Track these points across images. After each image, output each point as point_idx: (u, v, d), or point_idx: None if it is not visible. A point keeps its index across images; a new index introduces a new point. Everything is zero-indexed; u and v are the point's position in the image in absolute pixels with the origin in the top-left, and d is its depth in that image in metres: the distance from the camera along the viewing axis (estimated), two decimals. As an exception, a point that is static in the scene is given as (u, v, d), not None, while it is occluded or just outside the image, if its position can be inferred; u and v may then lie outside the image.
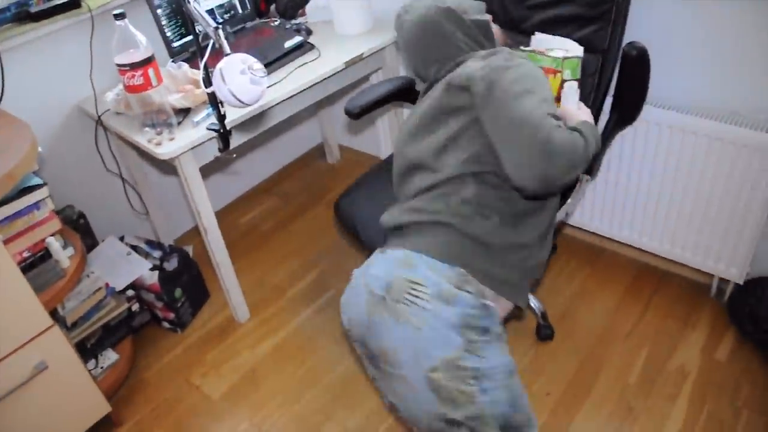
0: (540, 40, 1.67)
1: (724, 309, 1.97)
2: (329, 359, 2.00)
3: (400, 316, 1.17)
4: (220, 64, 1.31)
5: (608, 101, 1.70)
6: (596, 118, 1.68)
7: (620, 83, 1.61)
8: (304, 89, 1.93)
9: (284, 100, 1.90)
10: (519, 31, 1.78)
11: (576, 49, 1.58)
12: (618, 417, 1.71)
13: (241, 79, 1.30)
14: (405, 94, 1.95)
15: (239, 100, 1.32)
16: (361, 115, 1.83)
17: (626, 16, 1.61)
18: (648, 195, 1.93)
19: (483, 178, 1.25)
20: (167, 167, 2.43)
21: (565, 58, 1.54)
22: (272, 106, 1.89)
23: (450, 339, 1.14)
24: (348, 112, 1.83)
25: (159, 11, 2.01)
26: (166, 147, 1.71)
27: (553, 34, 1.66)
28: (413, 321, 1.15)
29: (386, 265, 1.24)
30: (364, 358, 1.31)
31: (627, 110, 1.66)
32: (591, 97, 1.66)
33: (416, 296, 1.16)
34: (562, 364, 1.88)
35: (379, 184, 1.83)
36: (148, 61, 1.67)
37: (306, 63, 2.02)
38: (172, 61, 1.97)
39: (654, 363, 1.84)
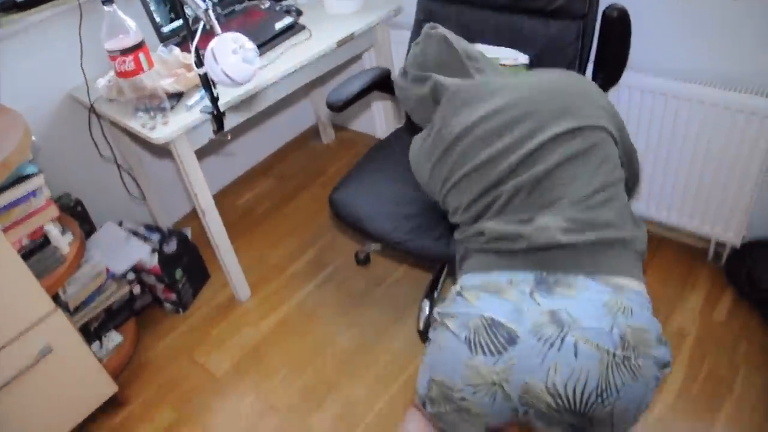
0: (485, 49, 1.70)
1: (721, 272, 2.00)
2: (331, 333, 2.03)
3: (637, 373, 1.01)
4: (212, 44, 1.32)
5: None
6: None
7: (602, 46, 1.63)
8: (297, 70, 1.94)
9: (277, 81, 1.91)
10: (493, 8, 1.79)
11: (522, 58, 1.66)
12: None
13: (233, 58, 1.31)
14: (384, 84, 1.95)
15: (232, 79, 1.33)
16: (344, 108, 1.84)
17: None
18: (643, 162, 1.95)
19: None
20: (162, 151, 2.44)
21: (514, 65, 1.64)
22: (265, 87, 1.89)
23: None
24: (330, 106, 1.84)
25: None
26: (160, 131, 1.71)
27: (529, 6, 1.70)
28: (646, 375, 1.02)
29: (597, 311, 1.05)
30: (562, 425, 1.06)
31: (611, 72, 1.67)
32: (576, 63, 1.67)
33: (647, 346, 1.03)
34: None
35: (372, 172, 1.84)
36: (138, 46, 1.68)
37: (297, 43, 2.03)
38: (163, 46, 1.96)
39: (651, 327, 1.87)
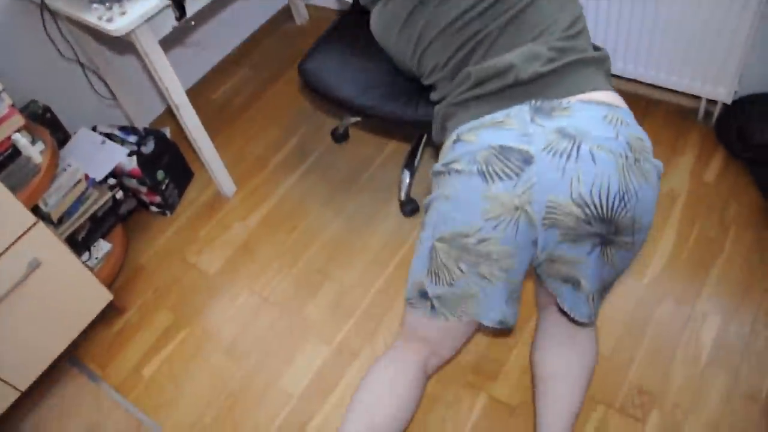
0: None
1: (711, 132, 1.97)
2: (319, 221, 2.03)
3: (647, 177, 1.05)
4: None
5: None
6: None
7: None
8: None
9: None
10: None
11: None
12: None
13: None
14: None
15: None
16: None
17: None
18: (630, 19, 1.86)
19: None
20: (127, 46, 2.32)
21: None
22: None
23: None
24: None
25: None
26: (118, 22, 1.61)
27: None
28: (652, 180, 1.07)
29: (599, 123, 1.06)
30: (590, 238, 1.07)
31: None
32: None
33: (648, 152, 1.07)
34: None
35: (340, 42, 1.82)
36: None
37: None
38: None
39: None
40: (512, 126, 1.08)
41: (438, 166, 1.16)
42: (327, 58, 1.79)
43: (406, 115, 1.61)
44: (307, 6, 2.91)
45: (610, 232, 1.06)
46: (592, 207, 1.02)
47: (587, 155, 1.02)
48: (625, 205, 1.03)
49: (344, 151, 2.23)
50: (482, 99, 1.16)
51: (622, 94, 2.14)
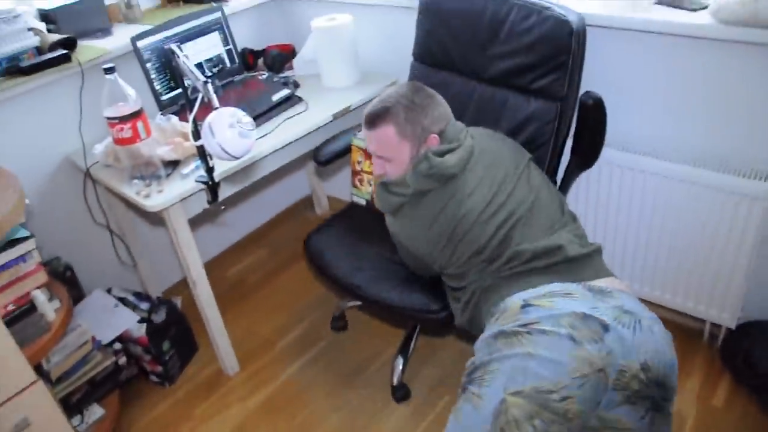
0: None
1: (717, 354, 1.98)
2: (320, 413, 1.98)
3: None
4: (209, 118, 1.34)
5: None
6: (557, 162, 1.79)
7: (579, 130, 1.74)
8: (293, 141, 1.97)
9: (273, 152, 1.93)
10: (480, 80, 1.85)
11: None
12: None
13: (230, 132, 1.32)
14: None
15: (228, 154, 1.34)
16: (328, 162, 2.02)
17: (582, 66, 1.69)
18: (636, 242, 1.96)
19: None
20: (156, 219, 2.44)
21: None
22: (261, 158, 1.92)
23: None
24: (317, 160, 2.01)
25: (148, 65, 2.07)
26: (154, 199, 1.72)
27: (513, 83, 1.75)
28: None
29: (642, 306, 1.29)
30: (645, 402, 1.20)
31: (586, 155, 1.78)
32: (551, 143, 1.72)
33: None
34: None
35: (348, 225, 2.02)
36: (136, 114, 1.71)
37: (294, 115, 2.07)
38: (161, 114, 2.01)
39: (648, 411, 1.83)
40: (582, 299, 1.25)
41: (511, 327, 1.24)
42: (331, 236, 1.95)
43: (393, 299, 1.69)
44: (329, 197, 3.08)
45: (661, 397, 1.20)
46: (654, 372, 1.17)
47: (648, 329, 1.21)
48: (672, 372, 1.22)
49: (353, 342, 2.24)
50: (538, 271, 1.38)
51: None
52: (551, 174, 1.78)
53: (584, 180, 1.98)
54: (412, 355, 2.05)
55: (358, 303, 2.24)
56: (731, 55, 1.60)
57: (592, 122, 1.69)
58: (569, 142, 1.79)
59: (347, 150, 2.06)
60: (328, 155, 2.01)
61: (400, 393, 1.97)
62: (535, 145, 1.73)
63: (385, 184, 1.59)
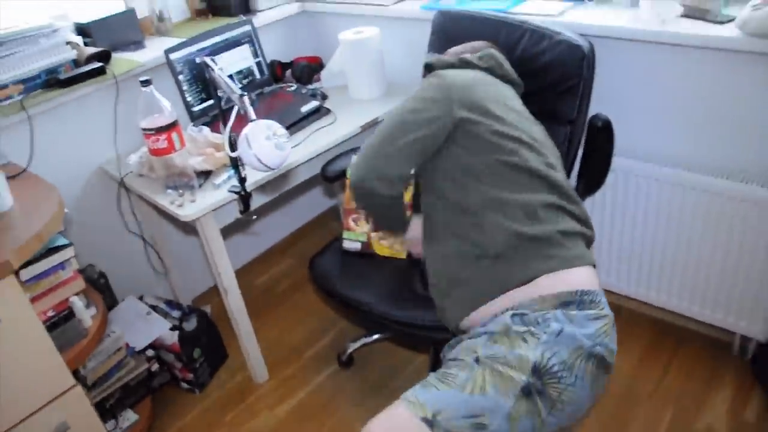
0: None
1: (748, 366, 1.98)
2: (349, 421, 2.02)
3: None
4: (246, 130, 1.39)
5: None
6: None
7: (587, 153, 1.75)
8: (322, 152, 2.02)
9: (302, 163, 1.99)
10: None
11: None
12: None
13: (267, 144, 1.37)
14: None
15: (264, 165, 1.39)
16: (336, 178, 1.97)
17: (591, 89, 1.72)
18: (664, 253, 1.97)
19: None
20: (188, 228, 2.51)
21: None
22: (291, 169, 1.97)
23: None
24: (325, 175, 1.97)
25: (180, 77, 2.14)
26: (188, 209, 1.78)
27: (525, 105, 1.74)
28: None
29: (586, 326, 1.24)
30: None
31: (593, 177, 1.77)
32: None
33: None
34: (586, 427, 1.88)
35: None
36: (172, 125, 1.77)
37: (323, 127, 2.12)
38: (193, 125, 2.06)
39: (681, 424, 1.84)
40: (532, 344, 1.23)
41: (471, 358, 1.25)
42: (336, 257, 1.90)
43: (404, 317, 1.63)
44: (356, 207, 3.12)
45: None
46: (561, 417, 1.21)
47: (581, 383, 1.21)
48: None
49: (379, 352, 2.27)
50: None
51: (655, 322, 2.19)
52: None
53: (608, 192, 2.00)
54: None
55: (367, 341, 2.26)
56: (757, 66, 1.62)
57: (601, 144, 1.71)
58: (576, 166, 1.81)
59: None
60: (336, 171, 1.97)
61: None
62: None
63: None
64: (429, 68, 1.58)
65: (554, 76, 1.70)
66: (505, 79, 1.58)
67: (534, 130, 1.44)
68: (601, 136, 1.69)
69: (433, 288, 1.43)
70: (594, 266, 1.33)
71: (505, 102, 1.44)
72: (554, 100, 1.73)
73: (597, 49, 1.71)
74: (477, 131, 1.36)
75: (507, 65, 1.61)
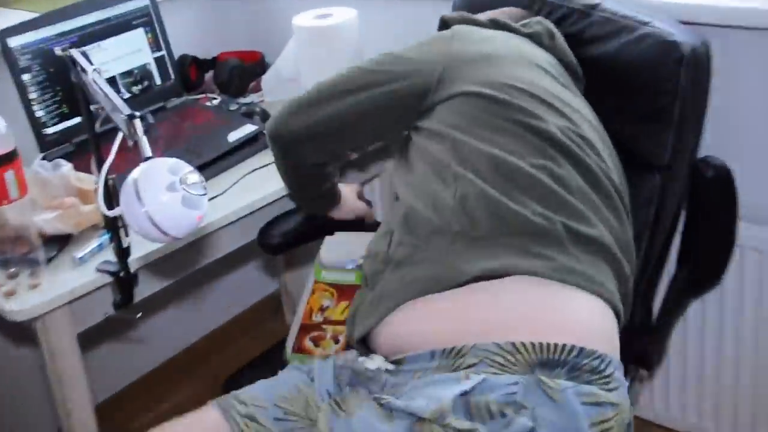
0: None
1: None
2: None
3: None
4: (136, 173, 1.31)
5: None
6: (656, 276, 1.78)
7: (691, 220, 1.75)
8: (257, 209, 1.99)
9: (226, 226, 1.95)
10: None
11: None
12: None
13: (169, 197, 1.29)
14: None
15: (162, 231, 1.30)
16: (288, 247, 2.09)
17: (700, 114, 1.68)
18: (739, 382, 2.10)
19: None
20: (21, 334, 2.41)
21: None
22: (207, 235, 1.93)
23: None
24: (265, 243, 1.99)
25: (26, 77, 2.12)
26: (23, 299, 1.69)
27: None
28: None
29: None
30: None
31: (704, 264, 1.79)
32: (644, 245, 1.66)
33: None
34: None
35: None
36: (6, 158, 1.69)
37: (263, 166, 2.09)
38: (44, 158, 2.03)
39: None
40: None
41: None
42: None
43: None
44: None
45: None
46: None
47: None
48: None
49: None
50: None
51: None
52: (644, 299, 1.74)
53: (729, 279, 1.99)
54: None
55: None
56: None
57: (715, 206, 1.69)
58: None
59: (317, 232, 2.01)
60: (285, 237, 2.01)
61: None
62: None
63: None
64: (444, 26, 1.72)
65: (633, 90, 1.68)
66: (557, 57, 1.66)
67: None
68: (716, 193, 1.67)
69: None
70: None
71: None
72: (634, 131, 1.68)
73: (715, 49, 1.67)
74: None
75: (562, 41, 1.67)
